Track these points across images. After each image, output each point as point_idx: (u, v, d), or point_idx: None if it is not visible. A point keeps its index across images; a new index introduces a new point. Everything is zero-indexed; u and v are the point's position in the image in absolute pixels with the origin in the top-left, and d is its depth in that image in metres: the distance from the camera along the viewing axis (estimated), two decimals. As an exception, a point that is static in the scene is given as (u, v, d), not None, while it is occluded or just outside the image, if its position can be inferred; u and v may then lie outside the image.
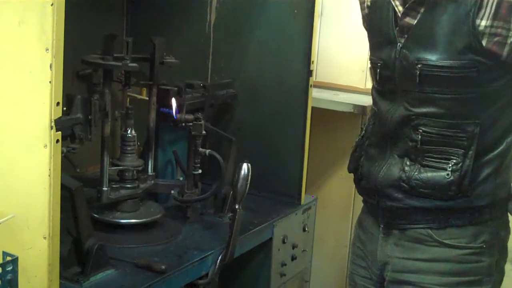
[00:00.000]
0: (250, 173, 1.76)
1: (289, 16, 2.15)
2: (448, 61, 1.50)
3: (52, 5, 1.28)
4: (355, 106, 2.39)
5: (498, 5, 1.45)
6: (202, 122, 1.92)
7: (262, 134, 2.26)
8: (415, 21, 1.56)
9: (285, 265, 2.14)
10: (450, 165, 1.55)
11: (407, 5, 1.58)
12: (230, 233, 1.77)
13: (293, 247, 2.18)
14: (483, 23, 1.46)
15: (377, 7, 1.68)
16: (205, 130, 1.96)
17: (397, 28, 1.60)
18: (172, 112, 1.95)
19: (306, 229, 2.24)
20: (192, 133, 1.92)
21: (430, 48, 1.52)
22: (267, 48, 2.22)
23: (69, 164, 1.92)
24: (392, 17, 1.61)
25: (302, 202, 2.23)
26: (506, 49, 1.47)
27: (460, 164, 1.55)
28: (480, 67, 1.49)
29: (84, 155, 1.91)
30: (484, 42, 1.47)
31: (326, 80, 2.65)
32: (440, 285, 1.63)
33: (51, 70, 1.31)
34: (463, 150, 1.55)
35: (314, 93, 2.23)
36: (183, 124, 1.95)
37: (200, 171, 1.96)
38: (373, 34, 1.70)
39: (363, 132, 1.78)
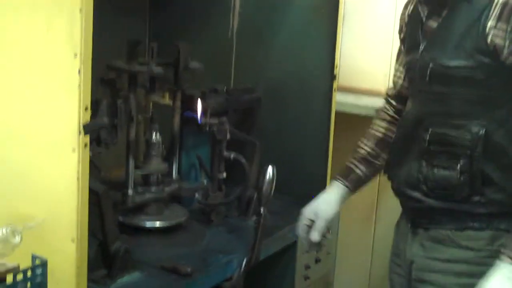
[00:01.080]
0: (275, 177, 1.77)
1: (312, 19, 2.16)
2: (457, 62, 1.54)
3: (80, 10, 1.30)
4: (376, 110, 2.38)
5: (503, 6, 1.49)
6: (227, 126, 1.92)
7: (286, 138, 2.26)
8: (436, 24, 1.60)
9: (309, 268, 2.14)
10: (459, 165, 1.56)
11: (430, 9, 1.62)
12: (255, 236, 1.77)
13: (317, 250, 2.17)
14: (489, 23, 1.50)
15: (413, 14, 1.72)
16: (229, 134, 1.96)
17: (422, 32, 1.64)
18: (196, 116, 1.96)
19: (330, 232, 2.23)
20: (217, 137, 1.92)
21: (444, 49, 1.57)
22: (290, 52, 2.22)
23: (93, 168, 1.93)
24: (420, 21, 1.65)
25: (326, 205, 2.22)
26: (505, 51, 1.49)
27: (469, 165, 1.56)
28: (486, 69, 1.52)
29: (108, 159, 1.92)
30: (488, 42, 1.50)
31: (348, 83, 2.64)
32: (457, 286, 1.63)
33: (79, 75, 1.32)
34: (469, 151, 1.56)
35: (337, 96, 2.22)
36: (207, 129, 1.96)
37: (224, 174, 1.97)
38: (408, 41, 1.74)
39: (393, 136, 1.81)
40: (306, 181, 2.24)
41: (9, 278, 1.25)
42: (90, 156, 1.64)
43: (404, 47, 1.78)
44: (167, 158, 2.00)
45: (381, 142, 1.84)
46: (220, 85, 2.16)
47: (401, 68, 1.81)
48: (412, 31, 1.70)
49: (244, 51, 2.29)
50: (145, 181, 1.90)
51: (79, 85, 1.33)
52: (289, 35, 2.22)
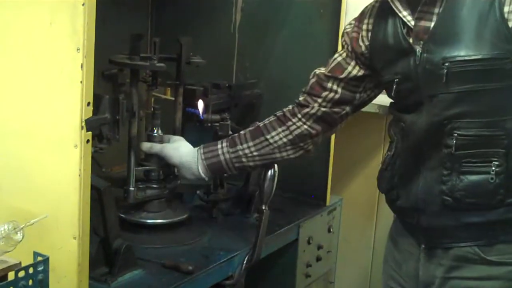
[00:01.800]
0: (277, 174, 1.76)
1: (315, 16, 2.14)
2: (479, 54, 1.44)
3: (83, 5, 1.28)
4: (379, 106, 2.37)
5: None
6: (229, 122, 1.91)
7: None
8: (433, 23, 1.51)
9: (310, 266, 2.13)
10: (493, 167, 1.47)
11: (418, 9, 1.53)
12: (256, 234, 1.76)
13: (318, 248, 2.17)
14: (506, 9, 1.42)
15: (380, 28, 1.62)
16: (231, 130, 1.95)
17: (411, 37, 1.54)
18: (198, 112, 1.94)
19: (331, 230, 2.23)
20: (219, 133, 1.91)
21: (456, 45, 1.47)
22: (292, 49, 2.21)
23: (94, 164, 1.91)
24: (401, 29, 1.56)
25: (327, 203, 2.22)
26: None
27: (504, 165, 1.47)
28: None
29: (108, 155, 1.90)
30: (511, 27, 1.42)
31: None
32: None
33: (82, 70, 1.30)
34: (504, 150, 1.47)
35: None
36: (209, 124, 1.94)
37: (226, 171, 1.95)
38: (380, 55, 1.63)
39: (393, 149, 1.66)
40: (307, 178, 2.23)
41: (11, 275, 1.23)
42: (92, 153, 1.64)
43: (368, 61, 1.67)
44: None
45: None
46: (222, 81, 2.14)
47: (341, 84, 1.71)
48: (388, 43, 1.58)
49: (246, 47, 2.28)
50: (147, 177, 1.88)
51: (82, 80, 1.31)
52: (292, 32, 2.20)
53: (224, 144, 1.78)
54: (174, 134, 1.96)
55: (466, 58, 1.45)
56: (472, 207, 1.51)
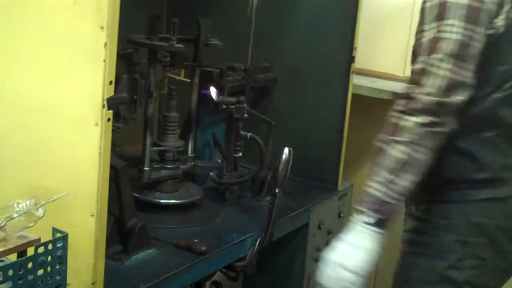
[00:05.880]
0: (291, 158, 1.76)
1: (332, 0, 2.13)
2: None
3: (108, -18, 1.28)
4: (394, 93, 2.37)
5: None
6: (245, 105, 1.91)
7: (301, 118, 2.24)
8: None
9: (320, 250, 2.14)
10: None
11: None
12: (269, 216, 1.77)
13: (328, 233, 2.18)
14: None
15: None
16: (246, 113, 1.95)
17: None
18: (214, 94, 1.94)
19: (342, 215, 2.23)
20: (235, 115, 1.91)
21: None
22: (308, 32, 2.20)
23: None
24: None
25: (339, 188, 2.23)
26: None
27: None
28: None
29: (121, 134, 1.90)
30: None
31: (364, 66, 2.61)
32: None
33: (105, 48, 1.30)
34: None
35: (353, 79, 2.20)
36: (224, 107, 1.94)
37: (240, 154, 1.97)
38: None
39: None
40: (319, 163, 2.23)
41: (30, 251, 1.24)
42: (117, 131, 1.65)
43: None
44: (183, 136, 2.00)
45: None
46: (237, 64, 2.13)
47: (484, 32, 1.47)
48: None
49: (263, 30, 2.27)
50: (162, 157, 1.89)
51: (105, 59, 1.31)
52: (308, 16, 2.19)
53: None
54: (189, 116, 1.96)
55: None
56: None
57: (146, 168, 1.83)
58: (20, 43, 1.42)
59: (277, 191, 1.76)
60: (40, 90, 1.41)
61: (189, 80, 2.01)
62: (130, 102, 1.69)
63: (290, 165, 1.77)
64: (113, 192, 1.57)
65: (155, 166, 1.86)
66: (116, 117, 1.68)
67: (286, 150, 1.77)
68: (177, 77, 2.25)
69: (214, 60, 2.07)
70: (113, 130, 1.68)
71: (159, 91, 2.15)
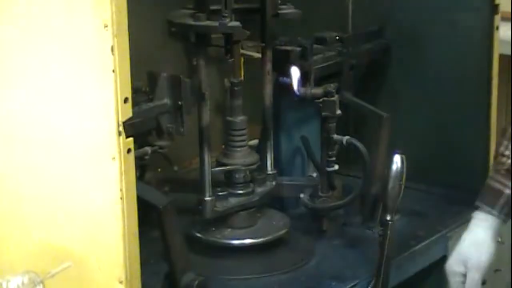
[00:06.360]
0: (404, 169, 1.70)
1: None
2: None
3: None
4: None
5: None
6: (335, 97, 1.87)
7: (429, 107, 2.23)
8: None
9: (468, 293, 2.05)
10: None
11: None
12: (379, 254, 1.74)
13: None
14: None
15: None
16: (345, 104, 1.94)
17: None
18: (293, 84, 1.91)
19: (499, 239, 2.12)
20: (322, 114, 1.87)
21: None
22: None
23: (164, 162, 1.92)
24: None
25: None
26: None
27: None
28: None
29: (180, 146, 1.90)
30: None
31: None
32: None
33: (113, 54, 1.29)
34: None
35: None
36: (311, 100, 1.91)
37: (336, 167, 1.93)
38: None
39: None
40: (460, 167, 2.20)
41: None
42: (148, 154, 1.69)
43: None
44: (258, 146, 1.99)
45: None
46: (329, 33, 2.11)
47: None
48: None
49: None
50: (229, 180, 1.88)
51: (114, 68, 1.30)
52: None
53: None
54: (264, 116, 1.93)
55: None
56: None
57: (207, 198, 1.81)
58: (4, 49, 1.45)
59: (388, 218, 1.71)
60: (36, 114, 1.43)
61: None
62: (175, 109, 1.68)
63: (404, 179, 1.71)
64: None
65: (220, 193, 1.86)
66: (158, 132, 1.70)
67: (397, 158, 1.70)
68: (256, 55, 2.21)
69: (297, 32, 2.05)
70: (154, 151, 1.72)
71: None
